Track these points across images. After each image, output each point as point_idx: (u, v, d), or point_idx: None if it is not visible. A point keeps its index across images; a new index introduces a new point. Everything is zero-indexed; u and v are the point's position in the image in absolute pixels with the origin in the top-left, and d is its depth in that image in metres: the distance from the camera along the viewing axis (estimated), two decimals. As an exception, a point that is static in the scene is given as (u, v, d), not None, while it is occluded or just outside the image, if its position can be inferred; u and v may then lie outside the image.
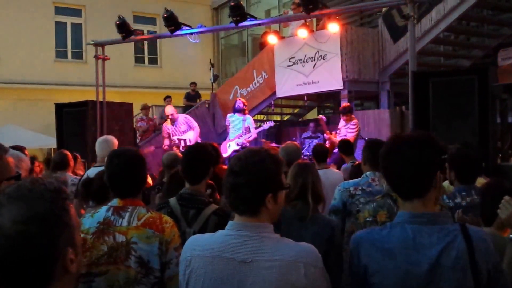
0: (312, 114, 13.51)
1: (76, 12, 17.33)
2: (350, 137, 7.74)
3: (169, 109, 9.02)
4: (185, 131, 8.81)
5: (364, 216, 3.41)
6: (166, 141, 8.83)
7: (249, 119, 9.05)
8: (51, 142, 10.42)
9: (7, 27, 15.66)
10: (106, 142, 5.03)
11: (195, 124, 8.96)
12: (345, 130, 8.06)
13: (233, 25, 7.57)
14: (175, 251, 2.27)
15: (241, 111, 8.86)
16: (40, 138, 13.07)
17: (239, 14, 7.27)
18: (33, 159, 5.99)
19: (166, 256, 2.27)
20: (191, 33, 8.00)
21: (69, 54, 17.36)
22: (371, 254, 1.72)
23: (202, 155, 2.97)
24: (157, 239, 2.26)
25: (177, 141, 8.69)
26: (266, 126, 9.28)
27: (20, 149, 4.46)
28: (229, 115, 9.18)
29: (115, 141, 5.13)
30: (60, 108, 8.60)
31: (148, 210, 2.40)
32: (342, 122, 8.24)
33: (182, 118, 9.04)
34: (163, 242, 2.27)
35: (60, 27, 17.05)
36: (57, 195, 1.18)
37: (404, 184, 1.72)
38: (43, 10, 16.37)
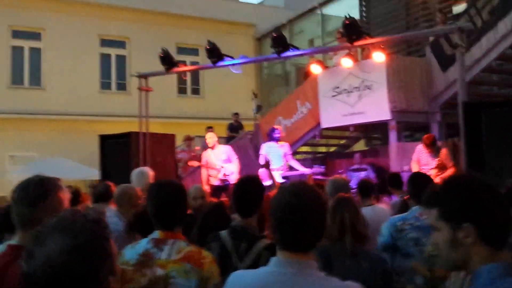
0: (360, 146, 13.16)
1: (121, 44, 17.77)
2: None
3: (212, 135, 8.97)
4: (225, 161, 8.72)
5: (429, 250, 3.26)
6: (204, 170, 8.80)
7: (286, 146, 8.88)
8: (95, 174, 10.50)
9: (54, 59, 16.16)
10: (142, 174, 5.09)
11: (235, 157, 8.86)
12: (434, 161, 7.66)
13: (275, 55, 7.50)
14: None
15: (278, 140, 8.76)
16: (84, 170, 13.23)
17: (281, 45, 7.21)
18: (76, 192, 6.00)
19: None
20: (233, 64, 7.97)
21: (113, 85, 17.70)
22: None
23: (255, 188, 2.92)
24: (196, 274, 2.25)
25: (218, 167, 8.61)
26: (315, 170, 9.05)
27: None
28: (266, 144, 8.99)
29: (150, 173, 5.17)
30: (104, 140, 8.66)
31: (189, 244, 2.37)
32: (426, 154, 7.74)
33: (223, 147, 9.00)
34: (201, 277, 2.25)
35: (105, 59, 17.48)
36: (97, 225, 1.23)
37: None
38: (89, 42, 16.85)
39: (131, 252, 2.39)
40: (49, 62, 16.23)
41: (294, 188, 1.75)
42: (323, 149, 13.58)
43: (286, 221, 1.68)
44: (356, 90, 9.74)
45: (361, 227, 2.97)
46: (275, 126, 9.24)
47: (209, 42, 7.75)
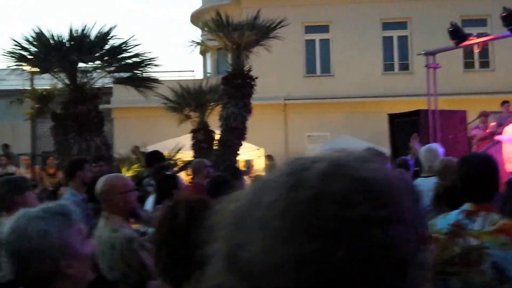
0: None
1: (402, 25, 17.91)
2: None
3: None
4: None
5: None
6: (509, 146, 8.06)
7: None
8: (384, 151, 11.03)
9: (340, 48, 17.41)
10: (431, 152, 5.03)
11: None
12: None
13: None
14: None
15: None
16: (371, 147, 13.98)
17: None
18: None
19: None
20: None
21: (396, 66, 18.04)
22: None
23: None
24: None
25: None
26: None
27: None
28: None
29: (440, 150, 5.08)
30: (392, 118, 9.05)
31: (503, 217, 2.37)
32: None
33: None
34: None
35: (386, 41, 17.93)
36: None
37: None
38: (371, 27, 17.49)
39: (443, 222, 2.48)
40: (336, 51, 17.59)
41: None
42: None
43: None
44: None
45: None
46: None
47: (505, 9, 7.21)
